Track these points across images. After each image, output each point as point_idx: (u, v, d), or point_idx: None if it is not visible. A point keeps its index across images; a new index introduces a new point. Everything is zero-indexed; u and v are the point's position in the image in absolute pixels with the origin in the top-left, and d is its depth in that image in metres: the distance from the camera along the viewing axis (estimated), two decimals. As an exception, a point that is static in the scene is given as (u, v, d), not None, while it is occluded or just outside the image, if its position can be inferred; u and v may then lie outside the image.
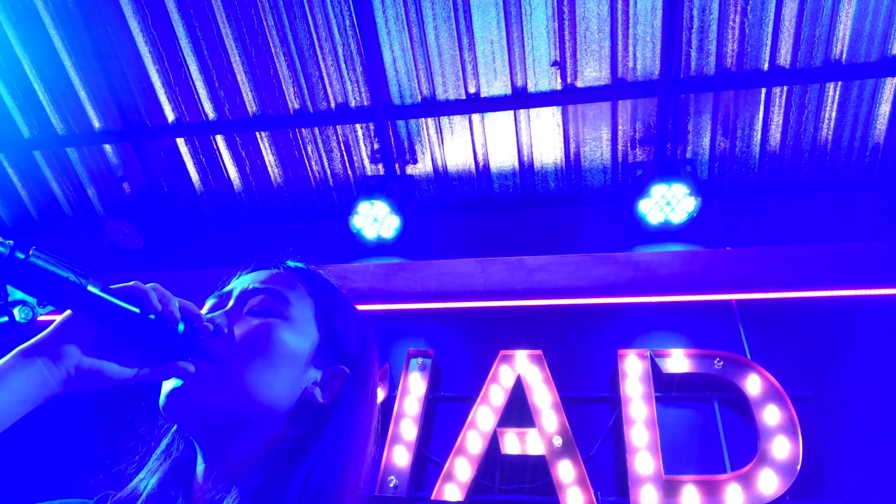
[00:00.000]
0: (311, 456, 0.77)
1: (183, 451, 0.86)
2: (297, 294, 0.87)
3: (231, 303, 0.86)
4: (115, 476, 0.86)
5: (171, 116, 3.78)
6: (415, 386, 3.27)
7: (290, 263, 0.93)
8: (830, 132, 3.36)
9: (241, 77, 3.57)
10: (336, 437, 0.80)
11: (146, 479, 0.84)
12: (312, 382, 0.83)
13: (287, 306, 0.85)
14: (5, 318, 0.63)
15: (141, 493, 0.82)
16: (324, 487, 0.75)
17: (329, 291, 0.92)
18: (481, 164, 3.74)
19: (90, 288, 0.66)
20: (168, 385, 0.76)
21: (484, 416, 3.08)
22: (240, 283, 0.88)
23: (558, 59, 3.29)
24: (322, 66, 3.49)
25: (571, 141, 3.59)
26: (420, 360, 3.38)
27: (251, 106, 3.68)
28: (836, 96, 3.26)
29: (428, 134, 3.67)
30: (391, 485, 2.96)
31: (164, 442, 0.88)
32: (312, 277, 0.92)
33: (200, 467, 0.81)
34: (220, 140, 3.84)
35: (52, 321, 0.70)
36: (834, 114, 3.30)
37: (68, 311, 0.70)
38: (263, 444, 0.79)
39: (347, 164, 3.85)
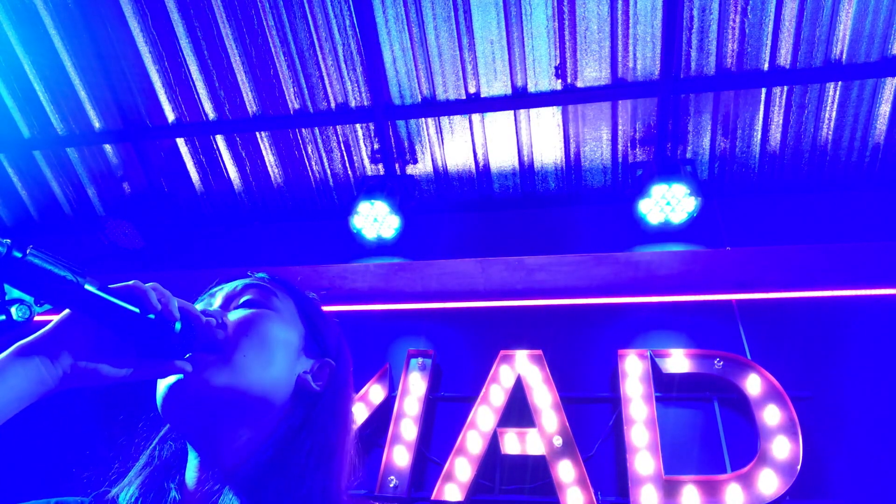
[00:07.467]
0: (311, 438, 0.82)
1: (168, 457, 0.87)
2: (278, 293, 0.93)
3: (219, 302, 0.90)
4: (108, 473, 0.88)
5: (171, 116, 3.78)
6: (415, 386, 3.27)
7: (258, 275, 0.99)
8: (830, 132, 3.36)
9: (241, 77, 3.57)
10: (329, 419, 0.86)
11: (128, 486, 0.85)
12: (304, 371, 0.88)
13: (273, 299, 0.90)
14: (3, 317, 0.63)
15: (129, 498, 0.83)
16: (321, 463, 0.81)
17: (302, 295, 0.99)
18: (481, 164, 3.74)
19: (87, 287, 0.66)
20: (166, 381, 0.77)
21: (484, 416, 3.08)
22: (224, 287, 0.93)
23: (558, 62, 3.29)
24: (322, 66, 3.49)
25: (571, 141, 3.59)
26: (420, 360, 3.37)
27: (251, 106, 3.68)
28: (836, 96, 3.26)
29: (428, 134, 3.66)
30: (391, 485, 2.96)
31: (149, 448, 0.89)
32: (286, 284, 0.98)
33: (192, 468, 0.81)
34: (220, 140, 3.84)
35: (50, 320, 0.70)
36: (834, 114, 3.30)
37: (67, 310, 0.70)
38: (262, 432, 0.81)
39: (347, 164, 3.85)
